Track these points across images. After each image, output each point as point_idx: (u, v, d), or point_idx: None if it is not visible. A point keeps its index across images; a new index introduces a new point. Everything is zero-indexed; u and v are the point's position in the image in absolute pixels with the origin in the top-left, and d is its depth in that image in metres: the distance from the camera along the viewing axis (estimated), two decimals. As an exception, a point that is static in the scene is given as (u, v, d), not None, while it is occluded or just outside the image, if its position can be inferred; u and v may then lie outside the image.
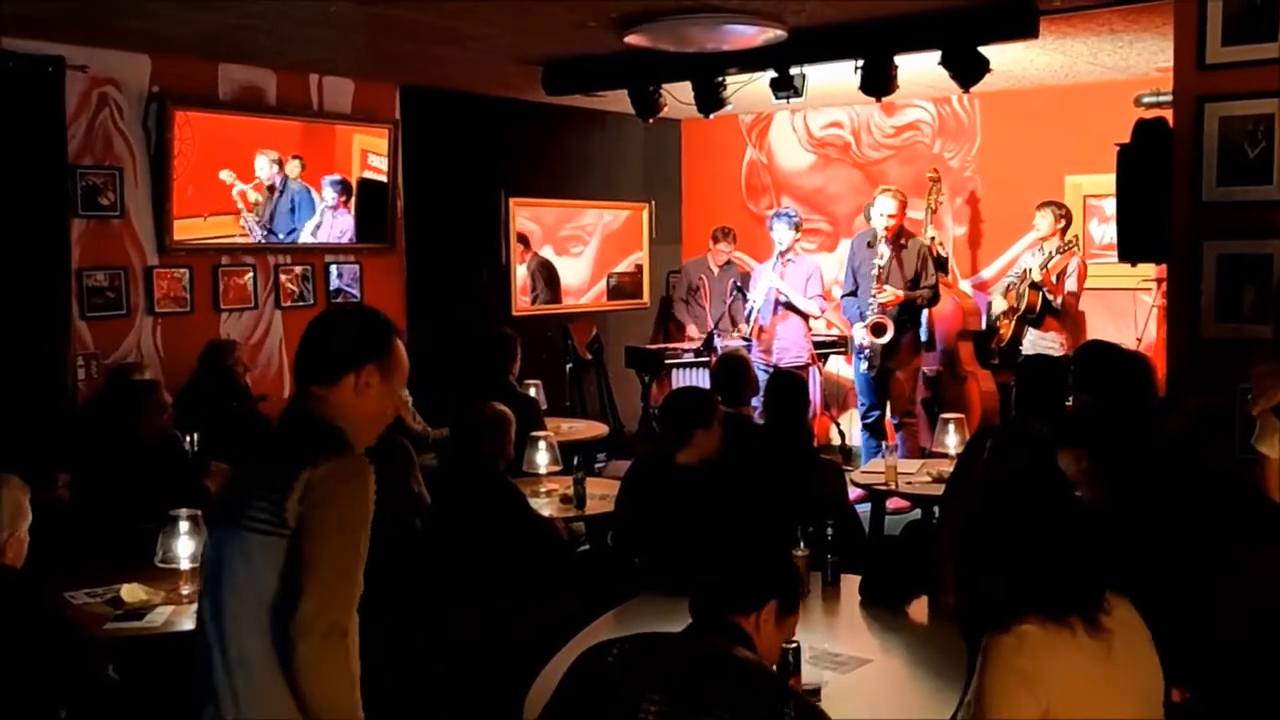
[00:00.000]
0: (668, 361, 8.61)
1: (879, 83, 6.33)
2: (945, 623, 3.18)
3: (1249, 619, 2.84)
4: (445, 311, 8.12)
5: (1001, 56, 6.42)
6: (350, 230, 7.65)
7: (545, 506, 5.28)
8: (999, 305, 7.64)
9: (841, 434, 8.86)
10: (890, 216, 7.40)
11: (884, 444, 7.35)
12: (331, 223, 7.52)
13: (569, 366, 8.97)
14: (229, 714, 2.32)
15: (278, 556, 2.28)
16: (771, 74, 6.68)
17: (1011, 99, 8.35)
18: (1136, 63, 7.14)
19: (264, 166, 7.18)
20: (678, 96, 7.17)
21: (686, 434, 4.33)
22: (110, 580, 4.00)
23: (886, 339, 7.41)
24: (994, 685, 2.09)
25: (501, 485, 4.65)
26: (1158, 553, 3.05)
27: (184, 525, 3.94)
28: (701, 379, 8.29)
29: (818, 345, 8.34)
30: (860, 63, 6.33)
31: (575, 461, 5.51)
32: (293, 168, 7.30)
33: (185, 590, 3.91)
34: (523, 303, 8.93)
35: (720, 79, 6.89)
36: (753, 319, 8.00)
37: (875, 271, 7.43)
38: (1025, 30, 5.80)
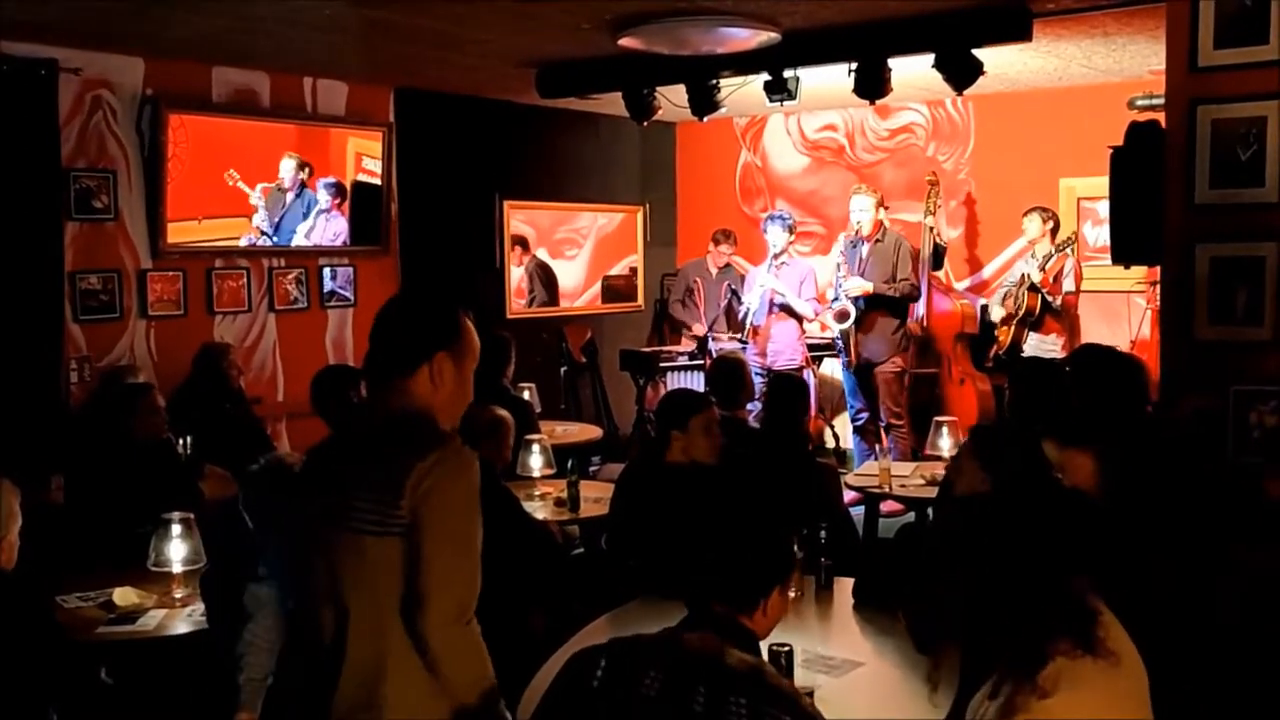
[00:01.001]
0: (662, 364, 8.61)
1: (873, 85, 6.34)
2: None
3: (1245, 616, 2.84)
4: (440, 314, 8.10)
5: (995, 59, 6.43)
6: (344, 233, 7.64)
7: (539, 510, 5.28)
8: (997, 314, 7.65)
9: (835, 436, 8.86)
10: (865, 211, 7.66)
11: (877, 447, 7.38)
12: (325, 225, 7.52)
13: (563, 369, 8.97)
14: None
15: (395, 555, 2.27)
16: (765, 77, 6.69)
17: (1005, 102, 8.36)
18: (1130, 65, 7.15)
19: (289, 169, 7.20)
20: (672, 99, 7.17)
21: (665, 435, 4.40)
22: (103, 583, 3.99)
23: (849, 324, 7.56)
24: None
25: (495, 489, 4.64)
26: (1157, 550, 3.05)
27: (177, 528, 3.94)
28: (696, 382, 8.30)
29: (812, 348, 8.34)
30: (854, 65, 6.33)
31: (569, 464, 5.50)
32: (289, 167, 7.32)
33: (178, 594, 3.90)
34: (518, 305, 8.92)
35: (714, 82, 6.89)
36: (748, 321, 8.01)
37: (840, 261, 7.71)
38: (1019, 33, 5.81)
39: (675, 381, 8.50)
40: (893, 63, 6.27)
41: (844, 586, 3.86)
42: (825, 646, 3.34)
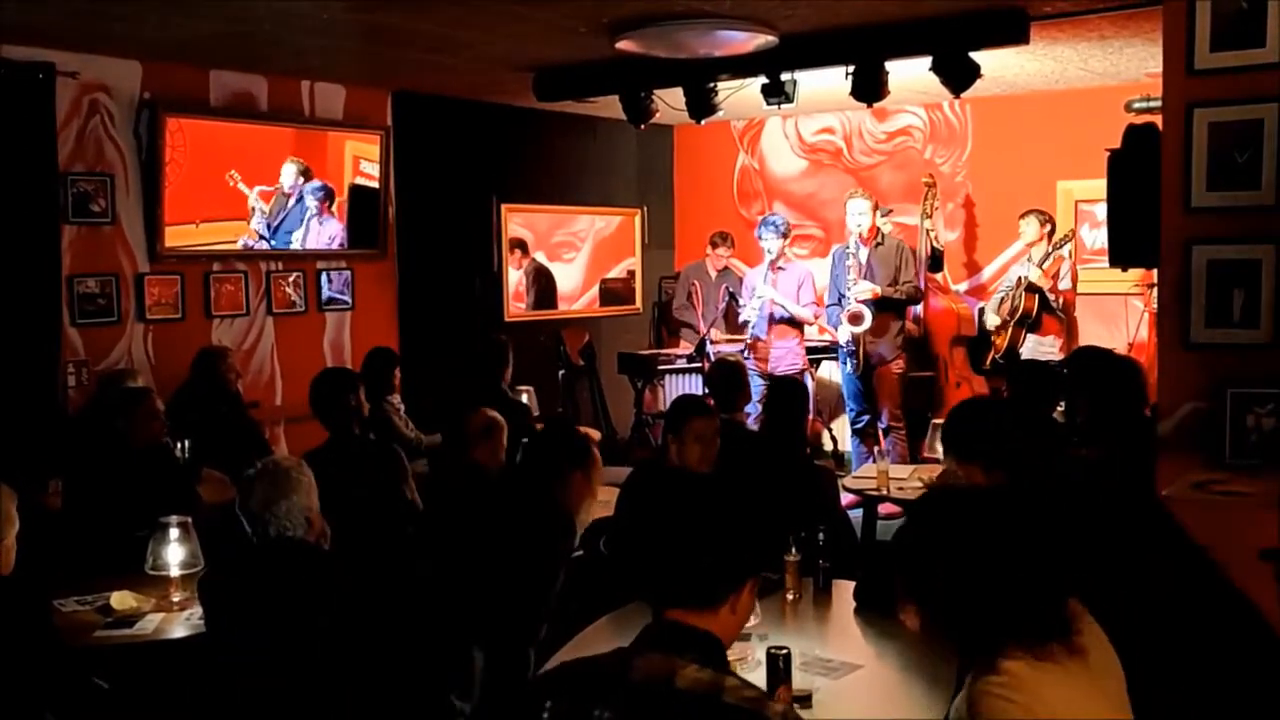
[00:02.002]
0: (660, 367, 8.61)
1: (870, 88, 6.35)
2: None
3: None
4: (437, 318, 8.12)
5: (992, 62, 6.44)
6: (338, 236, 7.64)
7: (537, 512, 5.27)
8: (992, 320, 7.66)
9: (834, 439, 8.87)
10: (863, 215, 7.59)
11: (875, 450, 7.39)
12: (318, 229, 7.51)
13: (561, 373, 8.97)
14: None
15: None
16: (763, 80, 6.70)
17: (1003, 105, 8.37)
18: (1127, 68, 7.16)
19: (289, 174, 7.20)
20: (670, 102, 7.18)
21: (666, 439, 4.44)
22: (100, 587, 3.98)
23: (864, 327, 7.50)
24: (986, 714, 1.92)
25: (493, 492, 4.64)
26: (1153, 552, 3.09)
27: (174, 532, 3.95)
28: (694, 385, 8.30)
29: (809, 351, 8.35)
30: (851, 68, 6.34)
31: (567, 467, 5.49)
32: (290, 170, 7.32)
33: (175, 597, 3.90)
34: (516, 309, 8.92)
35: (712, 85, 6.90)
36: (749, 331, 7.99)
37: (849, 264, 7.61)
38: (1016, 36, 5.82)
39: (673, 384, 8.50)
40: (890, 66, 6.28)
41: (842, 589, 3.86)
42: (824, 649, 3.34)
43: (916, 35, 5.99)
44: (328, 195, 7.56)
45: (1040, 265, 7.39)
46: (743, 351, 7.92)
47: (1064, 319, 7.57)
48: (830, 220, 9.42)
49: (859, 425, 7.85)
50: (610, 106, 7.61)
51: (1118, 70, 7.24)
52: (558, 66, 7.05)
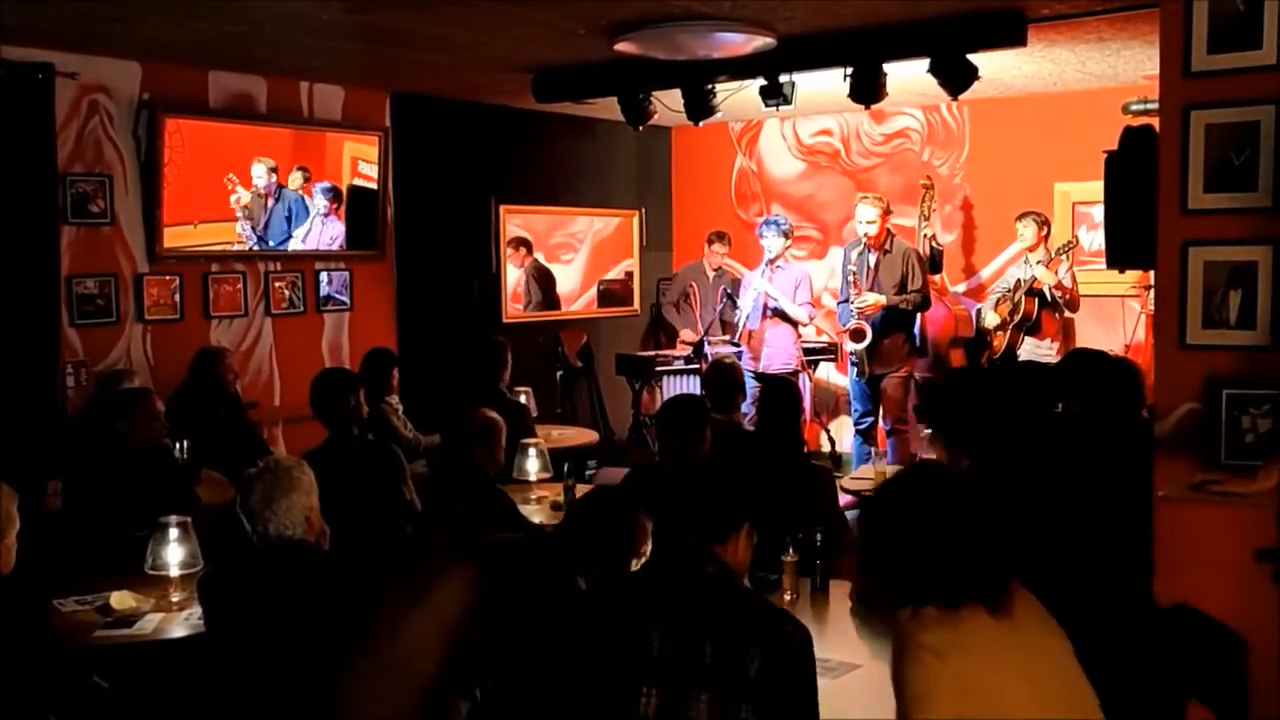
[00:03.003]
0: (658, 369, 8.62)
1: (868, 90, 6.35)
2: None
3: None
4: (436, 318, 8.12)
5: (990, 64, 6.45)
6: (340, 237, 7.65)
7: (536, 514, 5.28)
8: (990, 320, 7.66)
9: (831, 441, 8.89)
10: (871, 223, 7.48)
11: (872, 451, 7.39)
12: (321, 230, 7.52)
13: (559, 374, 8.98)
14: None
15: None
16: (761, 82, 6.70)
17: (1000, 107, 8.39)
18: (1124, 71, 7.17)
19: (260, 174, 7.19)
20: (668, 104, 7.19)
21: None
22: (100, 587, 3.99)
23: (864, 344, 7.48)
24: (907, 659, 2.18)
25: (492, 492, 4.65)
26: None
27: (174, 532, 3.95)
28: (692, 386, 8.31)
29: (807, 352, 8.36)
30: (849, 70, 6.35)
31: (566, 469, 5.51)
32: (295, 178, 7.33)
33: (175, 597, 3.91)
34: (514, 309, 8.93)
35: (710, 86, 6.90)
36: (742, 325, 8.03)
37: (850, 278, 7.56)
38: (1013, 38, 5.83)
39: (671, 385, 8.51)
40: (888, 68, 6.29)
41: (840, 589, 3.87)
42: (822, 649, 3.32)
43: (914, 37, 6.00)
44: (336, 196, 7.56)
45: (1047, 265, 7.40)
46: (735, 345, 7.93)
47: (1063, 318, 7.58)
48: (828, 222, 9.43)
49: (863, 426, 7.84)
50: (608, 108, 7.62)
51: (1115, 72, 7.25)
52: (556, 68, 7.06)
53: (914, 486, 2.43)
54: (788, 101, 6.74)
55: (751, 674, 2.31)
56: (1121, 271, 4.67)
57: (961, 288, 8.68)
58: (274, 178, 7.26)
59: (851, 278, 7.55)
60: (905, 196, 8.66)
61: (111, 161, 6.53)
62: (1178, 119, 3.56)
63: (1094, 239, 7.90)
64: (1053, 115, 8.14)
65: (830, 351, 8.83)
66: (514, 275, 8.93)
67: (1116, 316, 7.82)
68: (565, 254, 9.41)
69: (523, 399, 6.88)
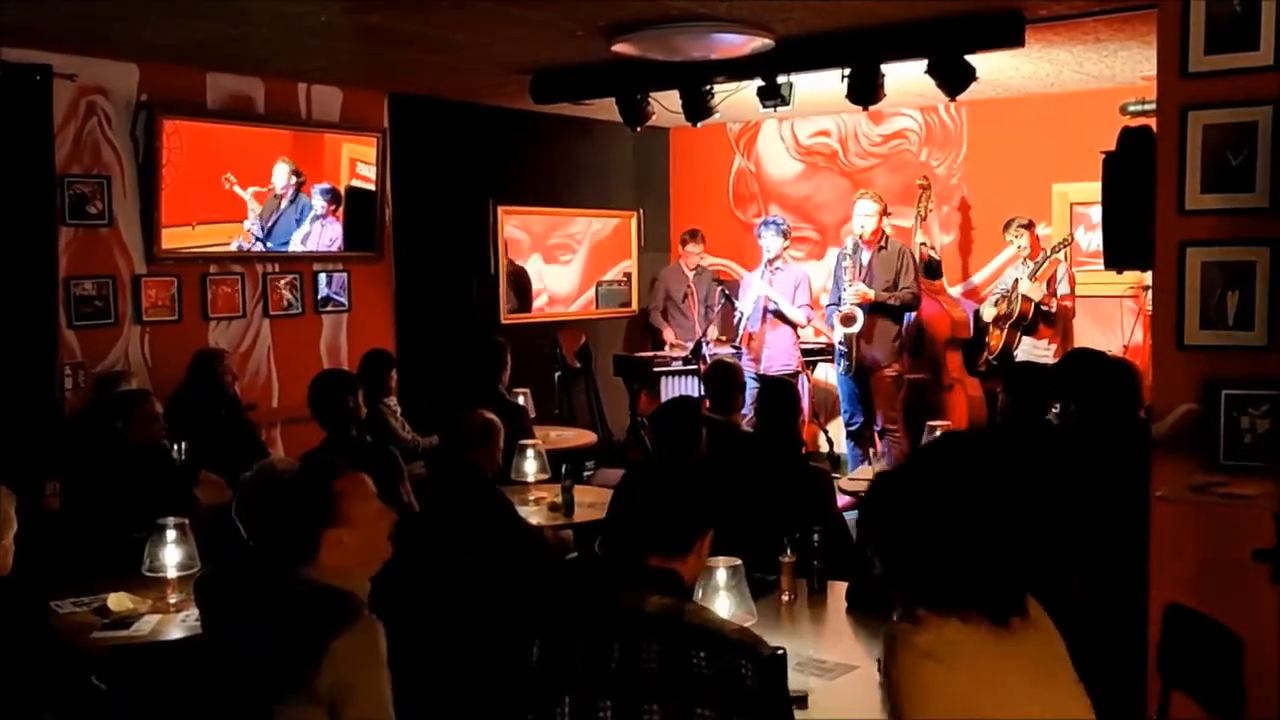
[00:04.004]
0: (656, 370, 8.62)
1: (866, 91, 6.36)
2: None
3: None
4: (434, 320, 8.12)
5: (988, 65, 6.46)
6: (339, 239, 7.65)
7: (534, 514, 5.29)
8: (989, 312, 7.67)
9: (830, 442, 8.88)
10: (869, 217, 7.56)
11: (871, 452, 7.43)
12: (320, 231, 7.52)
13: (557, 375, 8.97)
14: None
15: None
16: (759, 82, 6.70)
17: (998, 107, 8.39)
18: (1122, 71, 7.18)
19: (282, 175, 7.21)
20: (666, 105, 7.19)
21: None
22: (97, 589, 3.99)
23: (856, 329, 7.52)
24: (902, 664, 2.09)
25: (490, 493, 4.65)
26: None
27: (171, 533, 3.94)
28: (690, 387, 8.30)
29: (806, 353, 8.36)
30: (847, 71, 6.35)
31: (564, 469, 5.51)
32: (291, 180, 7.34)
33: (172, 599, 3.90)
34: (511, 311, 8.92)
35: (708, 87, 6.90)
36: (742, 327, 8.04)
37: (847, 264, 7.64)
38: (1011, 39, 5.83)
39: (669, 386, 8.50)
40: (886, 68, 6.29)
41: (837, 590, 3.87)
42: (818, 650, 3.35)
43: (912, 38, 6.00)
44: (334, 198, 7.57)
45: (1033, 275, 7.40)
46: (736, 347, 7.94)
47: (1058, 324, 7.58)
48: (826, 223, 9.43)
49: (853, 427, 7.86)
50: (606, 109, 7.62)
51: (1113, 73, 7.26)
52: (554, 69, 7.06)
53: (945, 465, 2.24)
54: (786, 102, 6.74)
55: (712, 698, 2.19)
56: (1119, 272, 4.67)
57: (958, 289, 8.68)
58: (295, 180, 7.28)
59: (848, 273, 7.61)
60: (903, 197, 8.66)
61: (110, 163, 6.53)
62: (1175, 120, 3.56)
63: (1092, 239, 7.90)
64: (1050, 116, 8.14)
65: (828, 353, 8.84)
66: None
67: (1114, 317, 7.82)
68: (563, 255, 9.41)
69: (521, 400, 6.88)
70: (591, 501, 5.35)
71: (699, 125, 7.33)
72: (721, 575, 3.15)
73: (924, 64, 6.11)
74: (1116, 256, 4.07)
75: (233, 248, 7.10)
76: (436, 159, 8.19)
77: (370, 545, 2.73)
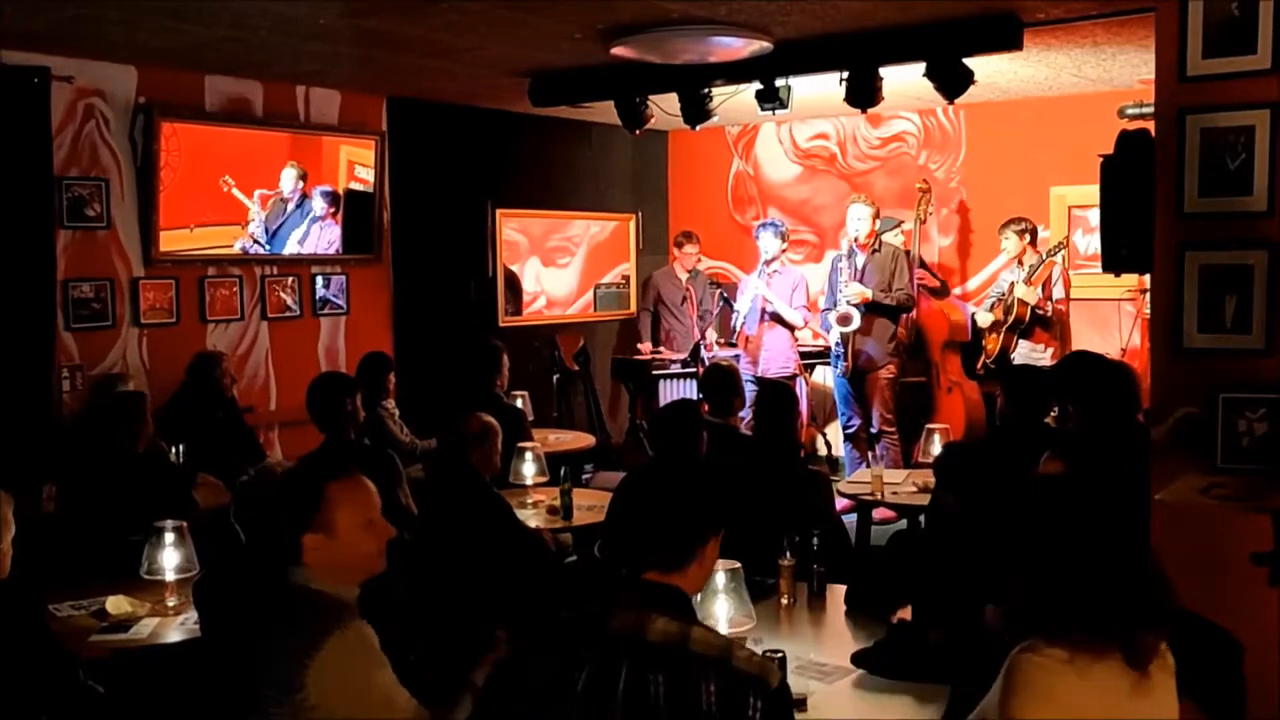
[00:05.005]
0: (654, 373, 8.62)
1: (864, 94, 6.36)
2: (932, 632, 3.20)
3: None
4: (432, 323, 8.12)
5: (986, 68, 6.46)
6: (337, 241, 7.65)
7: (532, 518, 5.29)
8: (985, 318, 7.68)
9: (828, 444, 8.89)
10: (862, 221, 7.64)
11: (869, 455, 7.44)
12: (319, 234, 7.52)
13: (556, 377, 8.97)
14: None
15: None
16: (757, 86, 6.70)
17: (996, 111, 8.40)
18: (1120, 75, 7.18)
19: (289, 179, 7.21)
20: (664, 108, 7.19)
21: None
22: (95, 592, 3.98)
23: (852, 327, 7.53)
24: (1019, 695, 2.09)
25: (488, 497, 4.65)
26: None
27: (169, 536, 3.94)
28: (688, 390, 8.31)
29: (804, 356, 8.37)
30: (846, 74, 6.36)
31: (562, 472, 5.50)
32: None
33: (170, 602, 3.90)
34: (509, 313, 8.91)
35: (707, 90, 6.90)
36: (739, 328, 8.05)
37: (843, 266, 7.67)
38: (1009, 42, 5.83)
39: (667, 389, 8.51)
40: (884, 72, 6.29)
41: (836, 593, 3.87)
42: (818, 653, 3.35)
43: (910, 41, 6.01)
44: (334, 201, 7.57)
45: (1028, 279, 7.40)
46: (732, 345, 7.95)
47: (1054, 327, 7.58)
48: (824, 226, 9.44)
49: (850, 430, 7.87)
50: (605, 112, 7.61)
51: (1111, 76, 7.26)
52: (553, 72, 7.06)
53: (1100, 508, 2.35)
54: (784, 105, 6.74)
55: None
56: (1117, 275, 4.67)
57: (956, 291, 8.68)
58: (301, 185, 7.28)
59: (843, 276, 7.63)
60: (901, 200, 8.67)
61: (107, 165, 6.52)
62: (1173, 123, 3.57)
63: (1090, 243, 7.91)
64: (1048, 119, 8.15)
65: (826, 356, 8.84)
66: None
67: (1112, 320, 7.82)
68: (562, 258, 9.41)
69: (519, 403, 6.88)
70: (590, 504, 5.35)
71: (697, 128, 7.33)
72: (720, 578, 3.15)
73: (922, 67, 6.11)
74: (1115, 260, 4.08)
75: (235, 249, 7.10)
76: (435, 162, 8.19)
77: (350, 556, 2.63)
